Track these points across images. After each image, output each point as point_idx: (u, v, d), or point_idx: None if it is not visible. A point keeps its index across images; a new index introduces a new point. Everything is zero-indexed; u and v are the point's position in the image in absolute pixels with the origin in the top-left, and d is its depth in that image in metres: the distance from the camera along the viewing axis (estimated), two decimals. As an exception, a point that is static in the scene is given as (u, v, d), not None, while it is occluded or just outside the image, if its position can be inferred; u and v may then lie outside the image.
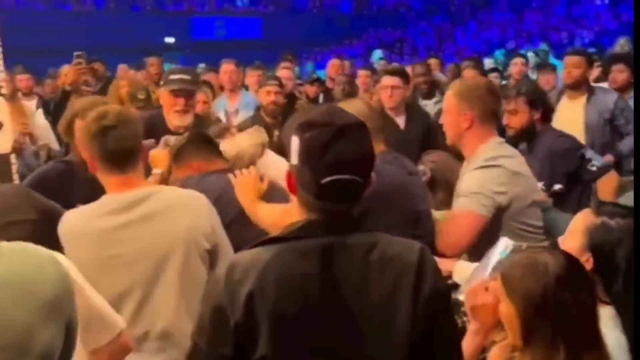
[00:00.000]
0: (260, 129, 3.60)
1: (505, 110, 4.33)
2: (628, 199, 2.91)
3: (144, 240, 2.57)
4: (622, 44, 9.14)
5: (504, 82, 8.18)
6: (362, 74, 8.07)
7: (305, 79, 9.01)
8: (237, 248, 2.59)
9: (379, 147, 2.85)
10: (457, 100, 3.23)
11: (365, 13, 31.06)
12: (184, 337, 2.12)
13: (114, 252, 2.54)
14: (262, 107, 5.69)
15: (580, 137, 5.06)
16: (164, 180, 3.28)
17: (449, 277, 2.76)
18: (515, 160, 3.25)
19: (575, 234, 2.22)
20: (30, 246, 1.63)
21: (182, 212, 2.62)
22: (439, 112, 6.31)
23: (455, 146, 3.35)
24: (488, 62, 11.02)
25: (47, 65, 10.93)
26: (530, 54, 10.38)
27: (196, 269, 2.61)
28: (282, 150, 2.93)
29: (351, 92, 6.68)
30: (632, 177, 4.23)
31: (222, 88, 7.31)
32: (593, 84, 6.15)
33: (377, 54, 14.70)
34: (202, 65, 10.51)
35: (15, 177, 3.23)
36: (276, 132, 5.44)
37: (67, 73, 5.95)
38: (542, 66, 8.40)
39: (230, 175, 3.15)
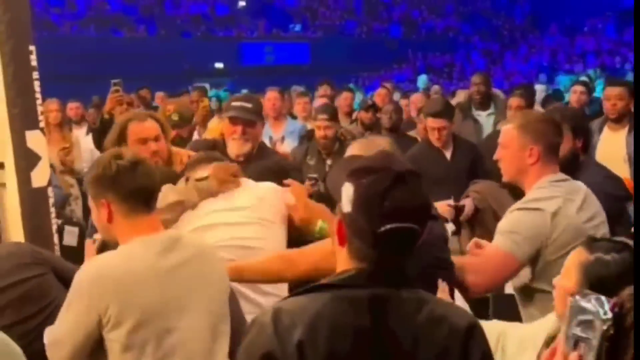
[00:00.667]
0: (194, 190, 3.07)
1: None
2: None
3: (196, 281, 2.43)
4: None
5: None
6: (415, 100, 8.13)
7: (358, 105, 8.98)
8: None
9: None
10: (519, 133, 3.02)
11: (414, 37, 31.02)
12: None
13: (176, 294, 2.37)
14: (315, 139, 5.67)
15: (621, 169, 4.84)
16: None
17: None
18: (565, 200, 2.98)
19: (569, 272, 2.09)
20: None
21: (212, 258, 2.54)
22: (495, 125, 6.18)
23: (511, 182, 3.16)
24: (540, 89, 10.81)
25: (100, 92, 11.02)
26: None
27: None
28: (326, 197, 2.81)
29: (398, 120, 6.58)
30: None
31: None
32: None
33: (423, 79, 14.62)
34: (244, 92, 10.52)
35: (52, 210, 3.17)
36: (328, 162, 5.45)
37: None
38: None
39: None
